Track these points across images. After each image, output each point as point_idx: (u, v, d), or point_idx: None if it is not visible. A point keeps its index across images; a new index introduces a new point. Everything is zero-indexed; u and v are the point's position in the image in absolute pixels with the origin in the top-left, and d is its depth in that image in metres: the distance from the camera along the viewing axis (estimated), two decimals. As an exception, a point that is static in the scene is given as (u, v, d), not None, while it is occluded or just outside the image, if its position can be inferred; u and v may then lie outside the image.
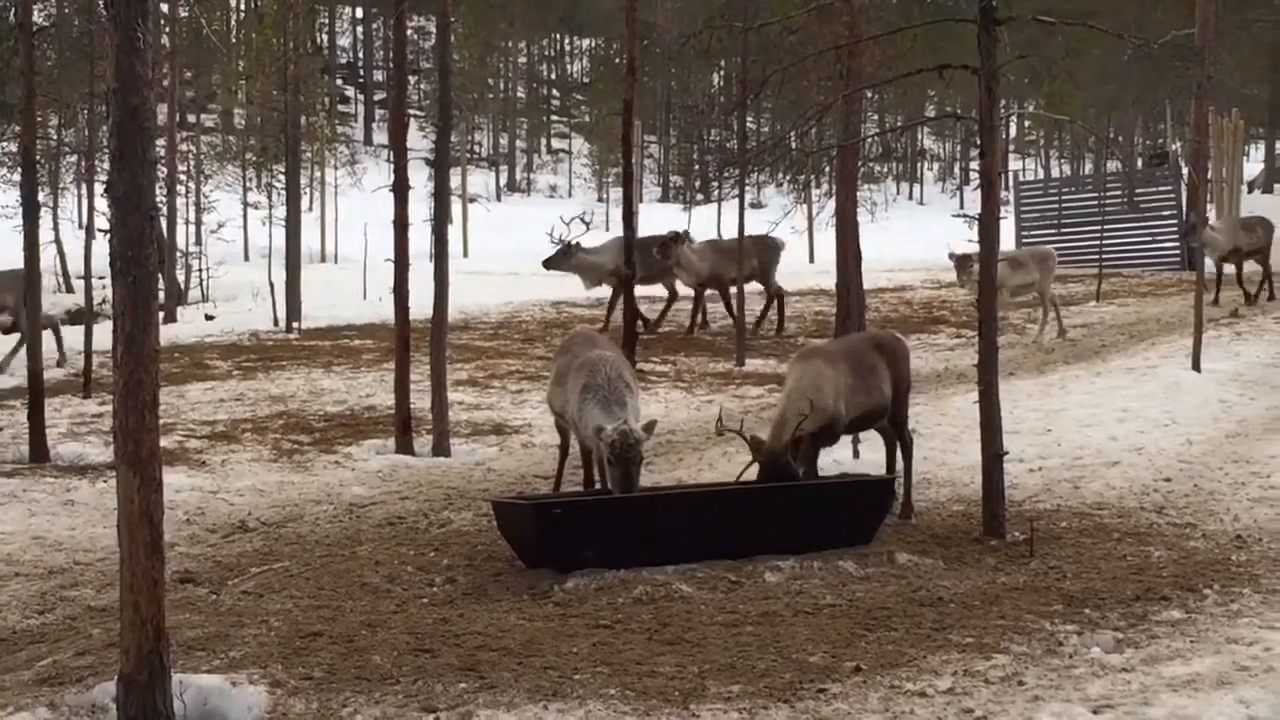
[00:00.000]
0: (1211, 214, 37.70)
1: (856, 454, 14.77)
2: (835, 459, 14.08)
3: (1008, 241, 26.27)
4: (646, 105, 73.50)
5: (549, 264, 26.13)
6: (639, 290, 24.97)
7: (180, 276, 33.53)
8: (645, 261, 24.77)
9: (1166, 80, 53.78)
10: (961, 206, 66.44)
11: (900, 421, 13.17)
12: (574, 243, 25.63)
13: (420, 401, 16.61)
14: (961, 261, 22.80)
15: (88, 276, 20.37)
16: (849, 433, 13.41)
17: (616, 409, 11.71)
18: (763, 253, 24.99)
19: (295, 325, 26.86)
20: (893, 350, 13.22)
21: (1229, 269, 27.27)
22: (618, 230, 27.87)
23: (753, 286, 24.88)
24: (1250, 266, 27.64)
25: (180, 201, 35.29)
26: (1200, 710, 7.67)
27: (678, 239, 25.08)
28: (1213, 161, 39.21)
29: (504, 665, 8.44)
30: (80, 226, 31.88)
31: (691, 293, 26.04)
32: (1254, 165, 68.90)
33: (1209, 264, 26.69)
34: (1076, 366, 20.64)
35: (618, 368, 12.20)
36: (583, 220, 25.47)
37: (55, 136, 37.61)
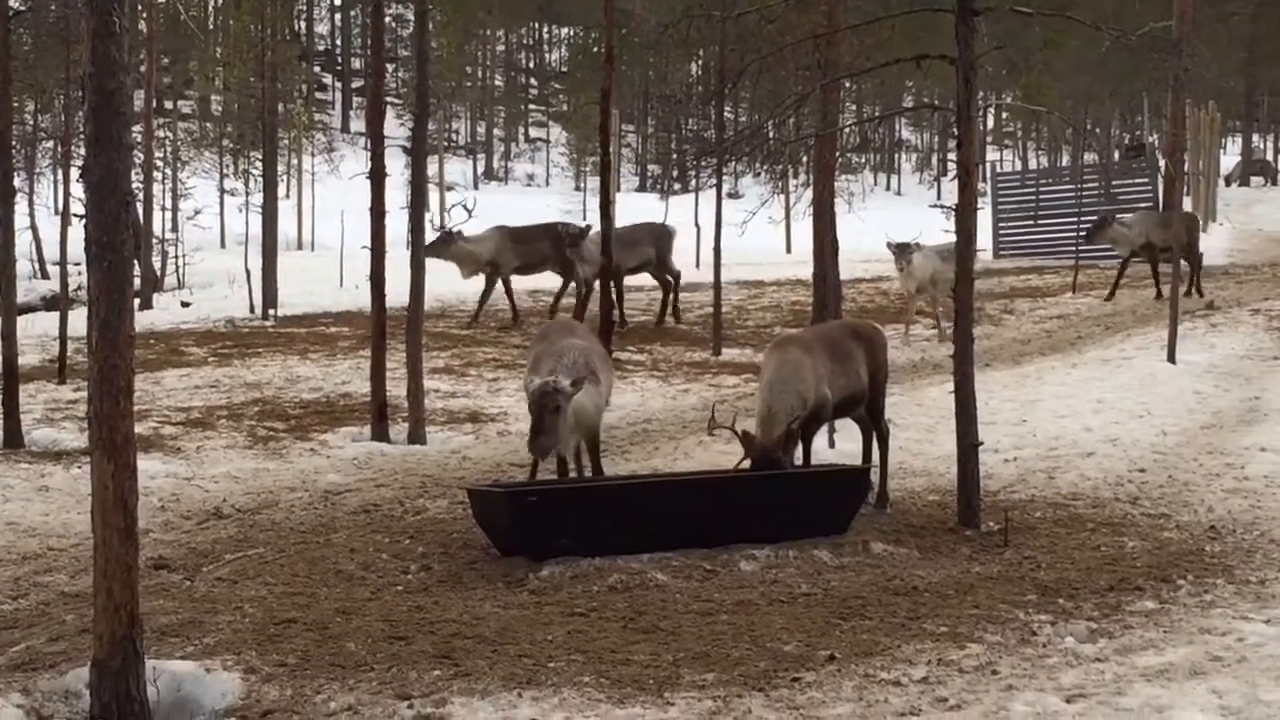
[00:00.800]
0: (1188, 204, 37.80)
1: (832, 443, 14.79)
2: (811, 448, 14.08)
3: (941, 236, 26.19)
4: (624, 94, 73.47)
5: (428, 251, 25.23)
6: (525, 281, 24.76)
7: (156, 263, 33.43)
8: (525, 251, 24.48)
9: (1144, 72, 54.00)
10: (939, 197, 66.52)
11: (877, 410, 13.19)
12: (455, 230, 25.09)
13: (396, 389, 16.57)
14: (901, 250, 22.94)
15: (63, 262, 20.33)
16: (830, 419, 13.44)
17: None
18: (659, 240, 24.69)
19: (271, 312, 26.84)
20: (870, 339, 13.24)
21: (1194, 266, 27.29)
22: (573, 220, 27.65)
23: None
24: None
25: (157, 188, 35.27)
26: (1173, 700, 7.69)
27: (584, 234, 24.47)
28: (1189, 154, 39.35)
29: (478, 653, 8.44)
30: (56, 212, 31.80)
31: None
32: (1229, 158, 69.05)
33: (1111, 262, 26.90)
34: (1052, 358, 20.69)
35: (586, 354, 12.27)
36: (465, 208, 24.77)
37: (31, 122, 37.50)
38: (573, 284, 25.04)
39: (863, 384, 12.87)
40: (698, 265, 33.12)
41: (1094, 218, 29.31)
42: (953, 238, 23.30)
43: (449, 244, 24.91)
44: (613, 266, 23.07)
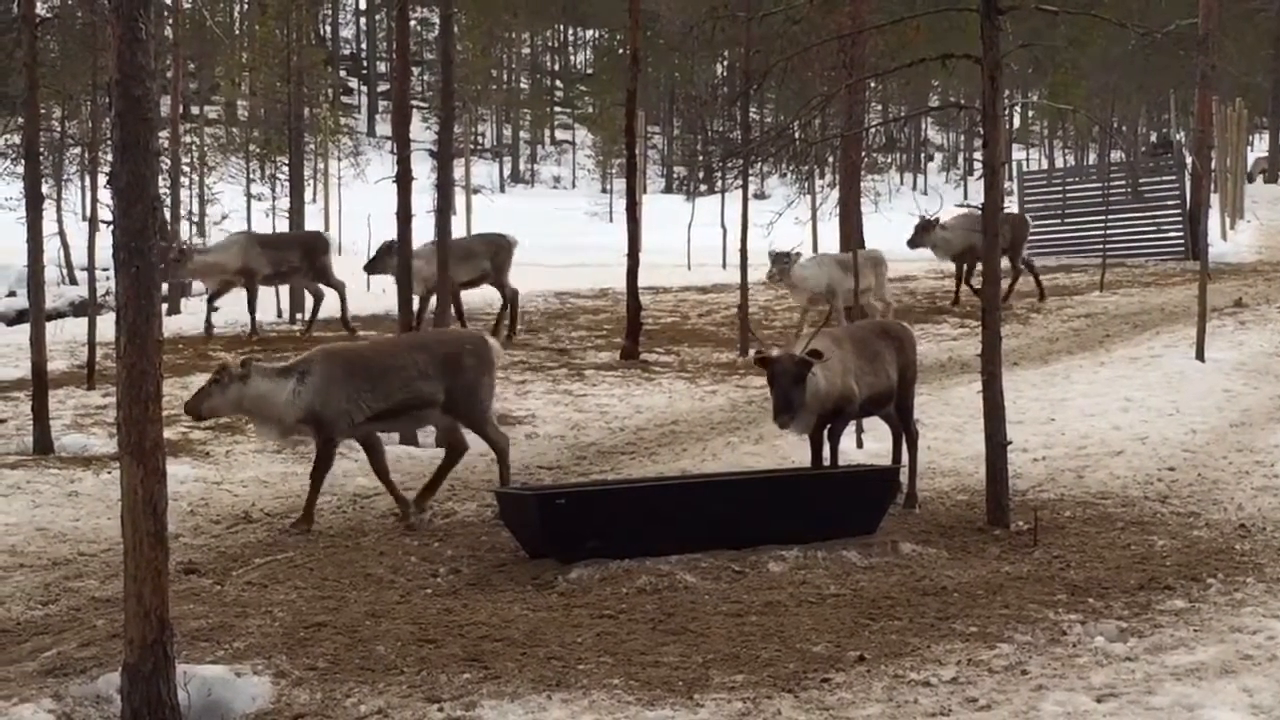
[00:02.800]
0: (1215, 202, 37.61)
1: (860, 443, 14.78)
2: (839, 448, 14.08)
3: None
4: (649, 96, 73.42)
5: (161, 276, 24.31)
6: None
7: (184, 268, 33.45)
8: (275, 258, 23.77)
9: (1170, 70, 53.84)
10: (965, 197, 66.29)
11: (906, 410, 13.19)
12: (185, 246, 23.92)
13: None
14: (777, 259, 22.02)
15: (91, 268, 20.35)
16: (856, 416, 13.42)
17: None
18: (496, 254, 23.50)
19: (299, 317, 26.85)
20: (899, 338, 13.25)
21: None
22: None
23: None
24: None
25: (184, 193, 35.31)
26: (1204, 699, 7.67)
27: (391, 250, 22.15)
28: (1216, 151, 39.20)
29: (508, 655, 8.45)
30: (84, 218, 31.89)
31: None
32: (1258, 155, 68.76)
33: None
34: (1080, 356, 20.64)
35: (332, 355, 12.70)
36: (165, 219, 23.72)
37: (59, 128, 37.59)
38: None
39: (891, 383, 12.88)
40: (724, 266, 33.09)
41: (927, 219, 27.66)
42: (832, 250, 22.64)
43: (184, 262, 23.54)
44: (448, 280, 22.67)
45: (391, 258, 22.83)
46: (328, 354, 12.74)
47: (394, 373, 12.63)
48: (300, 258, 24.00)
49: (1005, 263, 26.53)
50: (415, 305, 22.77)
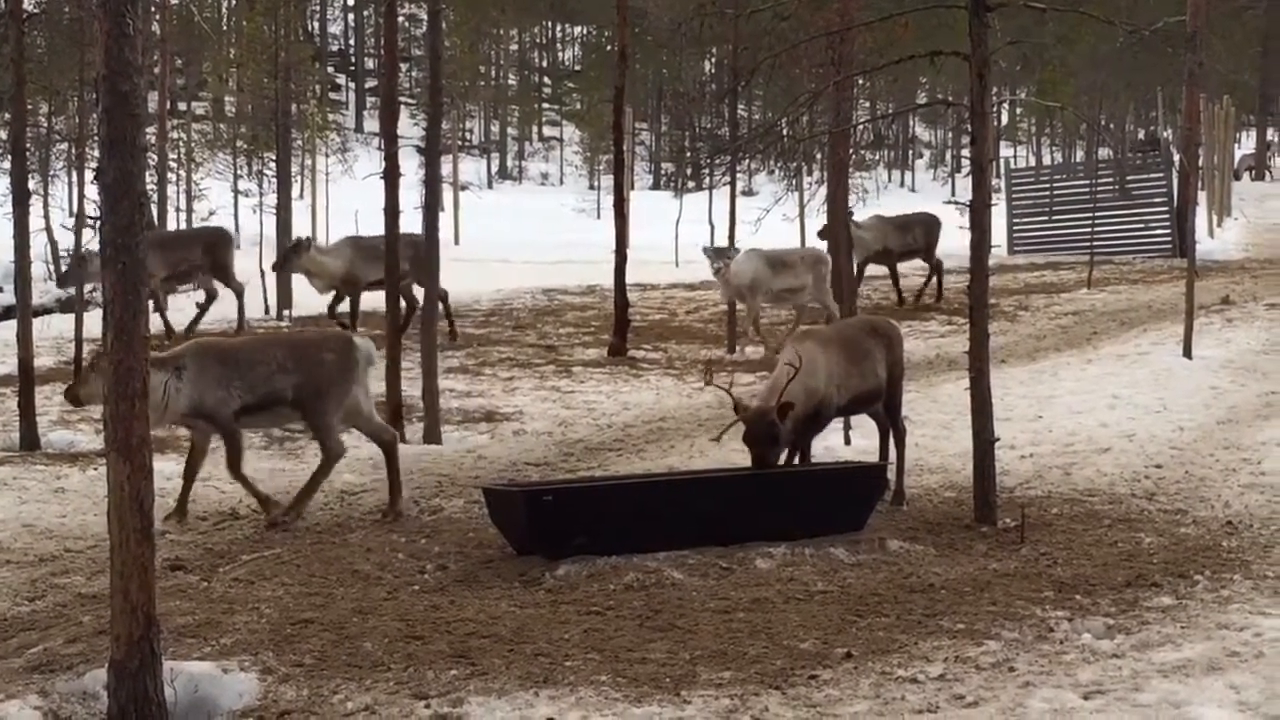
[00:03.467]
0: (1203, 199, 37.65)
1: (848, 440, 14.78)
2: (827, 445, 14.10)
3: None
4: (638, 92, 73.43)
5: (62, 283, 24.15)
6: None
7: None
8: (173, 259, 23.20)
9: (1158, 67, 53.94)
10: (953, 194, 66.32)
11: (894, 407, 13.19)
12: (86, 252, 23.74)
13: (411, 389, 16.58)
14: (718, 254, 21.69)
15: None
16: (844, 415, 13.43)
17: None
18: (417, 253, 20.94)
19: (287, 313, 26.82)
20: (887, 335, 13.25)
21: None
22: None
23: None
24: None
25: (171, 189, 35.25)
26: (1190, 695, 7.68)
27: (298, 248, 22.93)
28: (1204, 148, 39.27)
29: (495, 652, 8.45)
30: (71, 214, 31.83)
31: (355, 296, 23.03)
32: (1240, 153, 68.88)
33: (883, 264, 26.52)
34: (1068, 353, 20.66)
35: (199, 349, 12.65)
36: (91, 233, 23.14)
37: (45, 124, 37.52)
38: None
39: (879, 381, 12.88)
40: (712, 263, 33.06)
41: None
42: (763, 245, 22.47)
43: (83, 268, 21.74)
44: (359, 279, 22.33)
45: (298, 256, 22.78)
46: (200, 348, 12.77)
47: (258, 366, 12.58)
48: (201, 255, 23.68)
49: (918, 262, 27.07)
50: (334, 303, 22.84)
